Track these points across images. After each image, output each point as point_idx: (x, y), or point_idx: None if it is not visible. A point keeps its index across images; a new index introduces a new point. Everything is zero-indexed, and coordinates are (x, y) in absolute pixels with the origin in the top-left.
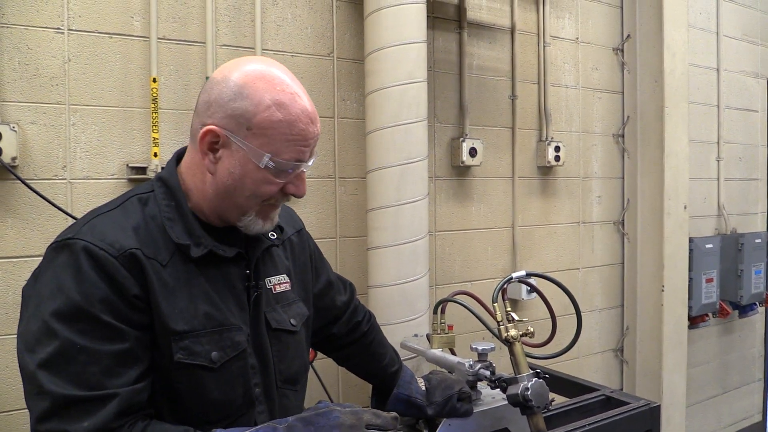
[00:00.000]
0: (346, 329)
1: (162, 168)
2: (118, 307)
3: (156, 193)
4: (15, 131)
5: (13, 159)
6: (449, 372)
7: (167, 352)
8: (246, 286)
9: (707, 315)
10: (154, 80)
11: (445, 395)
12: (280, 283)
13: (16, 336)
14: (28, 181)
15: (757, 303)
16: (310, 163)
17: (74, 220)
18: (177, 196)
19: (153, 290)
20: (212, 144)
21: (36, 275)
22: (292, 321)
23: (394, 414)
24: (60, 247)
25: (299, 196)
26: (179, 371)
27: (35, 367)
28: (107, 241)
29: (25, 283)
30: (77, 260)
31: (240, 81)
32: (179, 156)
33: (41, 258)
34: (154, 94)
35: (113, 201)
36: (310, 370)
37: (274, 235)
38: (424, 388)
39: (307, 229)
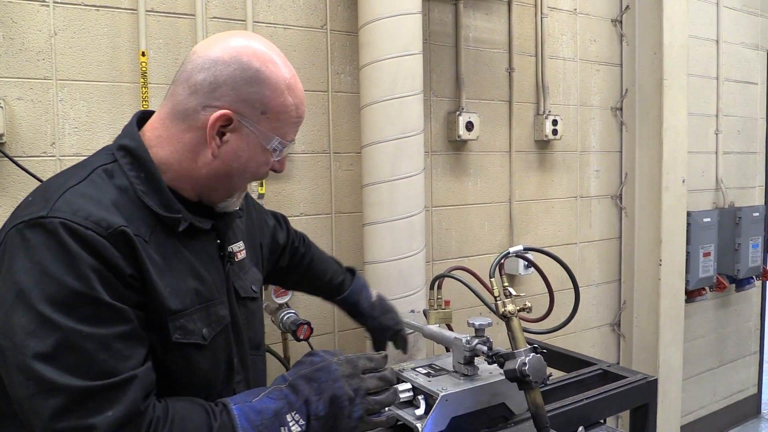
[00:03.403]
0: (288, 259)
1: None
2: (115, 286)
3: (120, 163)
4: (1, 107)
5: (0, 136)
6: (446, 349)
7: (163, 333)
8: (221, 255)
9: (704, 289)
10: (143, 54)
11: (383, 323)
12: (240, 250)
13: None
14: (16, 159)
15: (754, 277)
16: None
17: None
18: (147, 167)
19: (146, 269)
20: (222, 128)
21: (1, 262)
22: (253, 287)
23: (384, 353)
24: (29, 226)
25: (281, 171)
26: (173, 351)
27: (35, 363)
28: (92, 220)
29: None
30: (60, 240)
31: (255, 64)
32: (140, 120)
33: None
34: (144, 69)
35: (74, 173)
36: (308, 347)
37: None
38: (374, 297)
39: (302, 205)
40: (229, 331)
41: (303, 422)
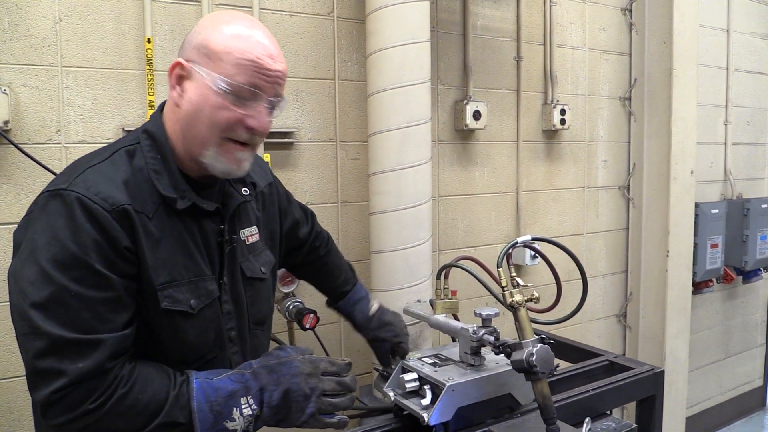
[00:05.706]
0: (304, 255)
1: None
2: (109, 257)
3: (142, 145)
4: (6, 94)
5: (6, 123)
6: (453, 339)
7: (153, 300)
8: (219, 241)
9: (711, 280)
10: (149, 41)
11: (379, 336)
12: (252, 234)
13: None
14: (21, 146)
15: (762, 269)
16: (272, 99)
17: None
18: (163, 149)
19: (141, 243)
20: (179, 78)
21: (27, 220)
22: (263, 269)
23: (348, 360)
24: (53, 195)
25: (260, 131)
26: (162, 317)
27: (30, 309)
28: (101, 196)
29: (17, 227)
30: (71, 211)
31: (209, 21)
32: (163, 107)
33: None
34: (149, 56)
35: (102, 152)
36: (313, 336)
37: (246, 191)
38: (371, 312)
39: (308, 193)
40: (217, 306)
41: (255, 407)
